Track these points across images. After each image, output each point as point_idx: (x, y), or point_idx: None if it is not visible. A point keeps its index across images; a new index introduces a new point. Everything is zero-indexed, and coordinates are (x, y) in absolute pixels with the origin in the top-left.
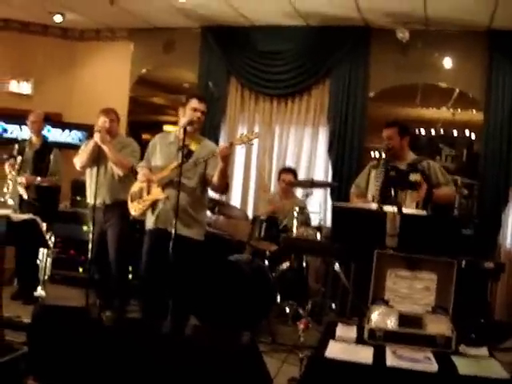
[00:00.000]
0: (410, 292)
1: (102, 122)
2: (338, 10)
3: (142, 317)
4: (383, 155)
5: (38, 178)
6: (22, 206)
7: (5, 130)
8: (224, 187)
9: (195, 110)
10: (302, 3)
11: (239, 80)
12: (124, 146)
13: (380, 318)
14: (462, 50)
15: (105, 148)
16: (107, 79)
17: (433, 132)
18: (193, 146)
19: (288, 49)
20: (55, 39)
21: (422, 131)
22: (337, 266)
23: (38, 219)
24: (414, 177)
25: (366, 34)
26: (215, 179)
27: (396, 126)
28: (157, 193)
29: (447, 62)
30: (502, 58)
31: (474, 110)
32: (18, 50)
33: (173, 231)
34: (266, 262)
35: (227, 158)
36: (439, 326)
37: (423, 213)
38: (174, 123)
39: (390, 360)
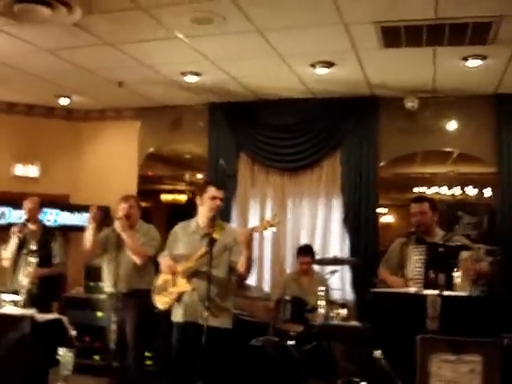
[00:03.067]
0: (455, 376)
1: (121, 208)
2: (349, 88)
3: None
4: (413, 230)
5: (46, 271)
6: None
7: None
8: (248, 273)
9: (214, 198)
10: (314, 82)
11: (249, 155)
12: (143, 234)
13: None
14: (469, 115)
15: (124, 236)
16: (114, 159)
17: (451, 192)
18: (216, 234)
19: (297, 121)
20: (60, 121)
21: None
22: (378, 352)
23: (64, 318)
24: (465, 254)
25: (374, 104)
26: (240, 266)
27: (427, 200)
28: (183, 285)
29: (456, 127)
30: (510, 120)
31: (487, 174)
32: (24, 133)
33: (201, 322)
34: (292, 342)
35: (250, 244)
36: None
37: (464, 294)
38: (171, 192)
39: None
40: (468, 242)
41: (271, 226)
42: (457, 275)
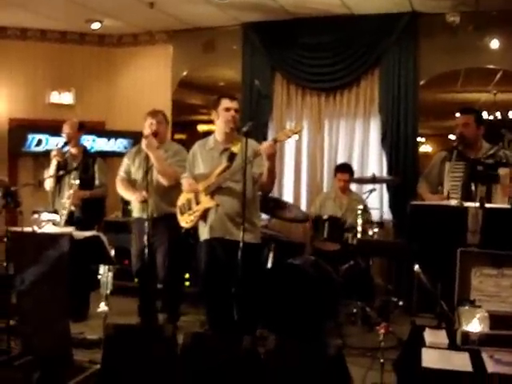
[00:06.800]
0: (496, 290)
1: (148, 124)
2: (388, 1)
3: (209, 329)
4: (455, 144)
5: (87, 193)
6: (70, 219)
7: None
8: (271, 186)
9: (228, 109)
10: None
11: (284, 76)
12: (173, 155)
13: (471, 320)
14: None
15: (151, 155)
16: (148, 84)
17: (491, 117)
18: (235, 148)
19: (333, 40)
20: (93, 47)
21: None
22: (416, 267)
23: (102, 235)
24: (504, 171)
25: (414, 20)
26: (263, 179)
27: (473, 113)
28: (207, 201)
29: (500, 44)
30: None
31: None
32: (57, 61)
33: (229, 238)
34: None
35: (273, 156)
36: None
37: (507, 206)
38: (207, 122)
39: (491, 366)
40: None
41: (294, 133)
42: (496, 188)
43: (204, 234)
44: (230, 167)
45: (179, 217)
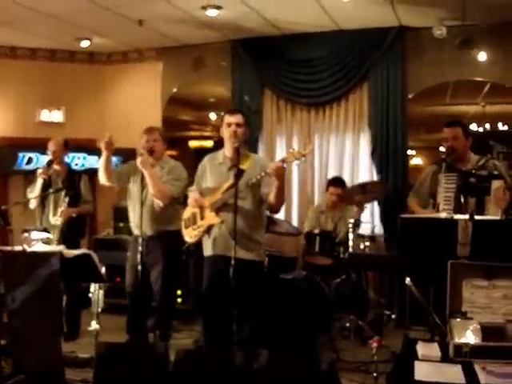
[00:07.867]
0: (488, 302)
1: (143, 141)
2: (372, 13)
3: (203, 346)
4: (444, 157)
5: (76, 210)
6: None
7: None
8: (280, 206)
9: (229, 125)
10: (335, 9)
11: (274, 91)
12: (168, 172)
13: (463, 332)
14: (501, 43)
15: (145, 173)
16: (138, 101)
17: (481, 129)
18: (243, 165)
19: (321, 56)
20: (82, 65)
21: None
22: (408, 280)
23: (92, 253)
24: (497, 183)
25: (401, 34)
26: (271, 198)
27: (460, 125)
28: (211, 218)
29: (487, 56)
30: None
31: None
32: (47, 79)
33: (231, 255)
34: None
35: (282, 176)
36: None
37: (496, 218)
38: (197, 138)
39: (484, 378)
40: (503, 166)
41: (302, 156)
42: (488, 200)
43: (207, 250)
44: (236, 184)
45: (184, 230)
